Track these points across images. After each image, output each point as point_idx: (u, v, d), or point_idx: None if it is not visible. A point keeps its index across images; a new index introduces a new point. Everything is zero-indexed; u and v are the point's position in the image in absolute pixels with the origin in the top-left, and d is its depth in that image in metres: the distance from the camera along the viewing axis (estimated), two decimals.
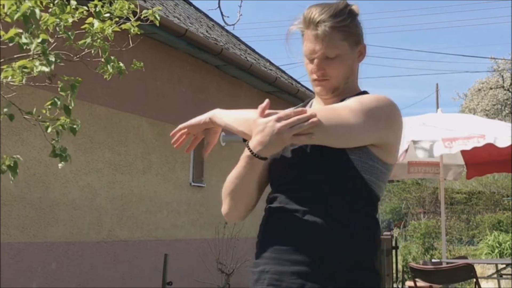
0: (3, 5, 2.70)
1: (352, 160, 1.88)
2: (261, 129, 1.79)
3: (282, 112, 1.80)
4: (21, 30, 2.67)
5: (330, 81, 2.00)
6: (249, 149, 1.83)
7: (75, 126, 2.96)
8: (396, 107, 1.96)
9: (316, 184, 1.89)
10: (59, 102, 2.88)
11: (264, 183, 2.06)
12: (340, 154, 1.88)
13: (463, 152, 8.40)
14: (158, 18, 3.29)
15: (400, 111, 1.99)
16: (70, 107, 2.88)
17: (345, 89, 2.02)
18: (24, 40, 2.63)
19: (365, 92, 2.07)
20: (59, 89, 2.88)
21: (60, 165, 3.08)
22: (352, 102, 1.91)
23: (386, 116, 1.92)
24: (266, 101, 1.84)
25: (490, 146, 6.68)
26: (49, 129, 2.94)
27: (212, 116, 2.11)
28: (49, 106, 2.93)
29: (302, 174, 1.93)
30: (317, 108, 2.00)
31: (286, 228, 1.89)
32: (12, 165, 2.95)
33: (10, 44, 2.69)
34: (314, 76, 2.02)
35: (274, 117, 1.78)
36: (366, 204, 1.92)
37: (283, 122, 1.76)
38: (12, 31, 2.63)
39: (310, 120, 1.76)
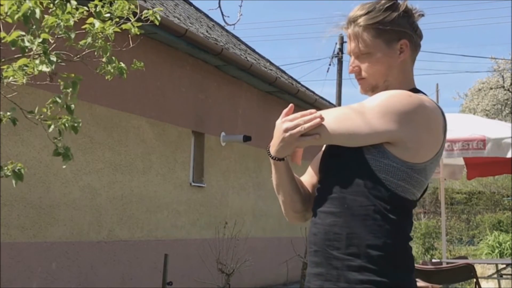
0: (3, 5, 2.70)
1: (367, 160, 1.85)
2: (275, 131, 1.89)
3: (290, 115, 1.87)
4: (23, 33, 2.66)
5: (366, 79, 1.99)
6: (267, 151, 1.93)
7: (76, 125, 2.96)
8: (416, 103, 1.87)
9: (333, 185, 1.90)
10: (60, 101, 2.88)
11: (308, 185, 2.07)
12: (355, 154, 1.86)
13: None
14: (159, 18, 3.29)
15: (428, 107, 1.89)
16: (72, 106, 2.89)
17: (387, 87, 1.96)
18: (26, 43, 2.63)
19: (414, 90, 1.97)
20: (61, 87, 2.88)
21: (63, 164, 3.09)
22: (365, 100, 1.91)
23: (398, 112, 1.83)
24: (290, 105, 1.91)
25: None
26: (51, 128, 2.94)
27: None
28: (51, 105, 2.93)
29: (324, 175, 1.98)
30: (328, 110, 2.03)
31: (310, 229, 1.95)
32: (17, 171, 2.95)
33: (13, 48, 2.69)
34: (353, 75, 2.04)
35: (283, 119, 1.87)
36: (385, 206, 1.84)
37: (287, 124, 1.85)
38: (14, 34, 2.62)
39: (313, 121, 1.82)
